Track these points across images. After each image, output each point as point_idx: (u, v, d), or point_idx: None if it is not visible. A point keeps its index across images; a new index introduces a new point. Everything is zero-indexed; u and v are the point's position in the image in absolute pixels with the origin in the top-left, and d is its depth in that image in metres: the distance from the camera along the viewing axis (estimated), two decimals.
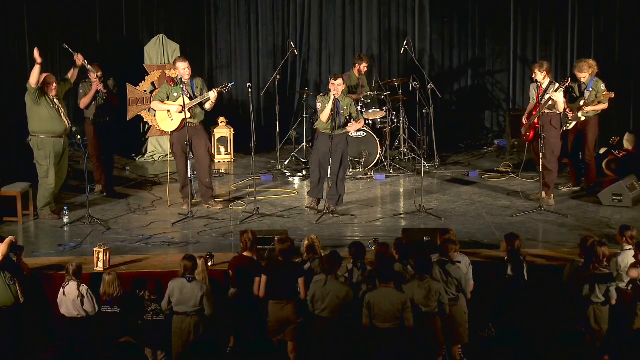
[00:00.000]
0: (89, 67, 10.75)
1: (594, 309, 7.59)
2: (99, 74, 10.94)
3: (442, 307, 7.43)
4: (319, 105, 10.52)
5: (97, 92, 10.94)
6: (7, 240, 7.76)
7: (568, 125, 10.94)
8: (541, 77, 10.49)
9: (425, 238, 8.79)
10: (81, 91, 11.02)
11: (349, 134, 10.66)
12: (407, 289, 7.40)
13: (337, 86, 10.24)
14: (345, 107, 10.37)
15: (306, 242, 8.23)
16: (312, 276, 7.69)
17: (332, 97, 10.19)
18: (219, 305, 7.85)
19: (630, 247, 7.97)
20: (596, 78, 10.87)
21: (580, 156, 11.51)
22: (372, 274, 7.58)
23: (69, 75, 10.73)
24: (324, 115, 10.28)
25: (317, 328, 7.47)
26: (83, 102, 10.99)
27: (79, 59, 10.64)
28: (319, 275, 7.56)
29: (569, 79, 10.86)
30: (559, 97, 10.44)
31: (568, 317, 7.77)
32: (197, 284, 7.62)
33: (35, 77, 9.92)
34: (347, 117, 10.38)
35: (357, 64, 12.82)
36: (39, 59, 9.86)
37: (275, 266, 7.74)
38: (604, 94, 10.76)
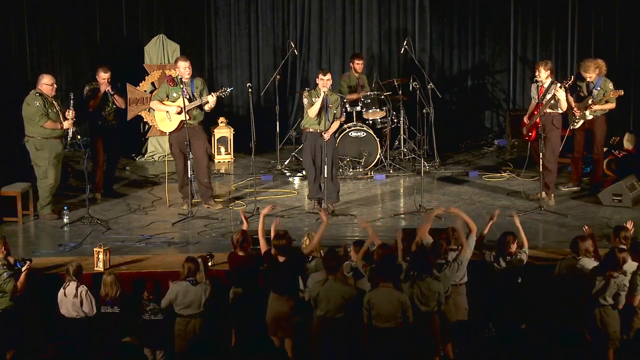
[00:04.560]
0: (73, 129, 10.26)
1: (601, 311, 7.54)
2: (107, 75, 10.91)
3: (440, 306, 7.44)
4: (305, 101, 10.39)
5: (106, 93, 10.91)
6: None
7: (575, 124, 10.93)
8: (545, 75, 10.46)
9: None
10: (89, 93, 10.92)
11: (349, 133, 10.62)
12: (406, 288, 7.40)
13: (326, 81, 10.12)
14: (334, 102, 10.28)
15: (306, 239, 8.23)
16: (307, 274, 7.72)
17: (322, 93, 10.12)
18: (219, 304, 7.85)
19: (624, 247, 7.97)
20: (604, 77, 10.86)
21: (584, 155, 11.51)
22: (372, 272, 7.58)
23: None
24: (313, 111, 10.16)
25: (315, 327, 7.47)
26: (92, 105, 10.88)
27: (69, 116, 10.14)
28: (318, 274, 7.56)
29: (572, 77, 10.86)
30: (562, 96, 10.43)
31: (571, 317, 7.74)
32: (201, 287, 7.63)
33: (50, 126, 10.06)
34: (334, 114, 10.32)
35: (351, 63, 12.87)
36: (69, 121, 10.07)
37: (276, 262, 7.73)
38: (611, 93, 10.76)
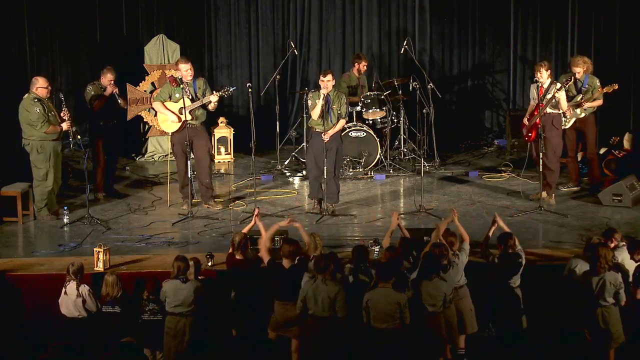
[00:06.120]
0: (73, 128, 10.23)
1: (603, 311, 7.54)
2: (114, 77, 10.89)
3: (445, 304, 7.47)
4: (309, 102, 10.43)
5: (113, 95, 10.90)
6: None
7: (566, 123, 10.94)
8: (546, 76, 10.48)
9: (425, 238, 8.77)
10: (93, 93, 10.89)
11: (349, 133, 10.59)
12: (416, 288, 7.42)
13: (326, 82, 10.13)
14: (337, 102, 10.28)
15: (308, 240, 8.22)
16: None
17: (322, 94, 10.14)
18: (217, 305, 7.85)
19: (624, 243, 7.99)
20: (591, 75, 10.92)
21: (580, 157, 11.52)
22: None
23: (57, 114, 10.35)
24: (315, 113, 10.21)
25: (309, 326, 7.48)
26: (97, 106, 10.85)
27: (65, 117, 10.15)
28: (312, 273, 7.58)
29: (572, 77, 10.87)
30: (562, 96, 10.44)
31: (571, 317, 7.74)
32: (191, 284, 7.63)
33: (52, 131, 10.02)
34: (339, 114, 10.33)
35: (356, 64, 12.83)
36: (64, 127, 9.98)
37: (282, 269, 7.72)
38: (599, 89, 10.80)
